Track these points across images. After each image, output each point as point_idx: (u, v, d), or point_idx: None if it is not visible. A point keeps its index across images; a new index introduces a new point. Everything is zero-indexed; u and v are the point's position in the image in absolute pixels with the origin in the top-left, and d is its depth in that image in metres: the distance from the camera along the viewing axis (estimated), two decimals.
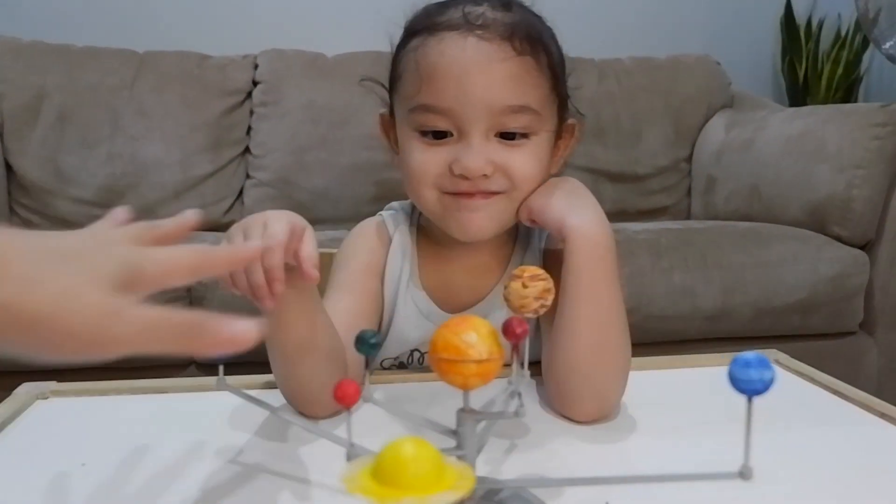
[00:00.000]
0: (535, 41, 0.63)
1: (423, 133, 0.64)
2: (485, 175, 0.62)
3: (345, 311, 0.65)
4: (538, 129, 0.64)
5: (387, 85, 0.70)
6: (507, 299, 0.43)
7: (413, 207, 0.75)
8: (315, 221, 2.14)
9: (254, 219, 0.51)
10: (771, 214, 1.72)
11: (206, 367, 1.40)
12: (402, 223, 0.74)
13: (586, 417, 0.60)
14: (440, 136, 0.63)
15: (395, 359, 0.74)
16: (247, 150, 1.97)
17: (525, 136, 0.63)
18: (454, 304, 0.71)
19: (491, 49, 0.61)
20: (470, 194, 0.63)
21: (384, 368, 0.75)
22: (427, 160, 0.63)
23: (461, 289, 0.72)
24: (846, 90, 2.45)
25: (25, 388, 0.66)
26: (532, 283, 0.43)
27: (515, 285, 0.43)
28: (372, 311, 0.71)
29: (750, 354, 0.32)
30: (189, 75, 1.96)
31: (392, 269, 0.72)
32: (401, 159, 0.67)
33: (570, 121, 0.70)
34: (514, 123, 0.62)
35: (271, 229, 0.48)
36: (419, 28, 0.65)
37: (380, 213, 0.77)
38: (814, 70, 2.44)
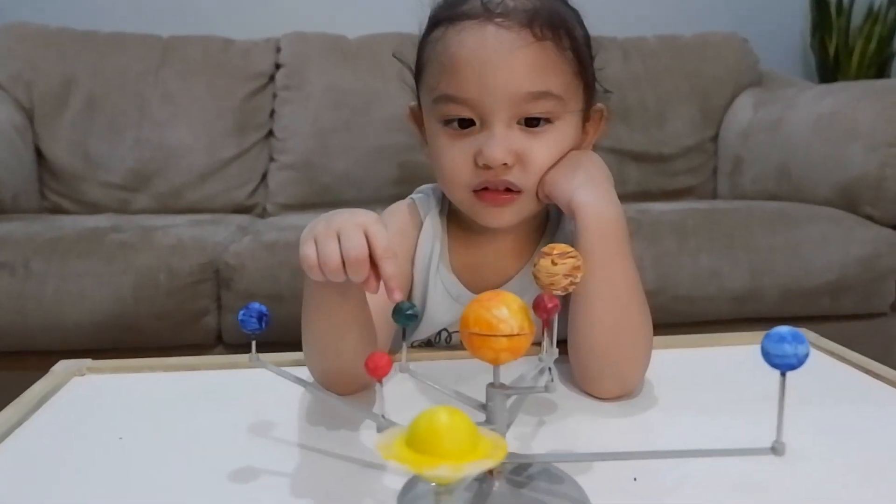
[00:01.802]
0: (556, 26, 0.62)
1: (448, 122, 0.64)
2: (505, 164, 0.62)
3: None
4: (561, 114, 0.64)
5: (413, 74, 0.71)
6: (536, 276, 0.43)
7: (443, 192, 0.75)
8: (338, 204, 2.15)
9: (344, 225, 0.50)
10: (800, 195, 1.70)
11: (234, 347, 1.42)
12: (433, 207, 0.74)
13: (608, 395, 0.60)
14: (465, 124, 0.64)
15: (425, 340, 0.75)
16: (270, 133, 1.97)
17: (548, 121, 0.64)
18: (483, 286, 0.71)
19: (510, 37, 0.61)
20: (494, 195, 0.64)
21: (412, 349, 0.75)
22: (454, 157, 0.64)
23: (490, 271, 0.72)
24: (879, 67, 2.39)
25: (62, 366, 0.68)
26: (561, 261, 0.43)
27: (545, 262, 0.43)
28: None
29: (784, 329, 0.32)
30: (213, 60, 1.97)
31: (422, 251, 0.72)
32: (430, 152, 0.68)
33: (598, 106, 0.70)
34: (537, 109, 0.63)
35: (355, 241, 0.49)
36: (441, 18, 0.65)
37: (411, 196, 0.77)
38: (845, 46, 2.38)
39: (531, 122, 0.63)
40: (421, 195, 0.76)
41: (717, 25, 2.19)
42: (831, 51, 2.40)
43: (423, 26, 0.68)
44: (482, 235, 0.71)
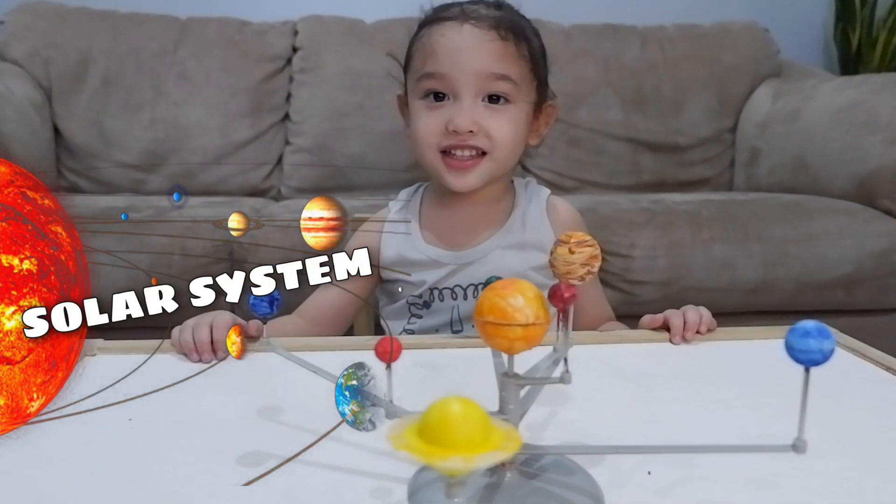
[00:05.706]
0: (517, 32, 0.80)
1: (426, 96, 0.80)
2: (471, 131, 0.77)
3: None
4: (517, 99, 0.80)
5: (403, 69, 0.87)
6: (552, 265, 0.42)
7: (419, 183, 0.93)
8: (352, 188, 2.14)
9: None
10: (817, 187, 1.68)
11: None
12: (410, 195, 0.90)
13: None
14: (439, 98, 0.80)
15: (419, 297, 0.85)
16: (286, 116, 1.97)
17: (507, 101, 0.79)
18: (455, 245, 0.85)
19: (481, 32, 0.78)
20: (461, 161, 0.79)
21: (410, 304, 0.86)
22: (428, 123, 0.80)
23: (460, 232, 0.85)
24: None
25: None
26: (579, 249, 0.42)
27: (562, 251, 0.42)
28: (367, 281, 0.88)
29: (809, 323, 0.31)
30: (230, 41, 1.96)
31: (390, 237, 0.87)
32: (410, 125, 0.83)
33: (550, 102, 0.86)
34: (497, 88, 0.78)
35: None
36: (427, 22, 0.83)
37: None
38: (868, 38, 2.34)
39: (493, 100, 0.79)
40: (395, 200, 0.92)
41: (739, 15, 2.16)
42: (854, 42, 2.36)
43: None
44: (454, 198, 0.84)
